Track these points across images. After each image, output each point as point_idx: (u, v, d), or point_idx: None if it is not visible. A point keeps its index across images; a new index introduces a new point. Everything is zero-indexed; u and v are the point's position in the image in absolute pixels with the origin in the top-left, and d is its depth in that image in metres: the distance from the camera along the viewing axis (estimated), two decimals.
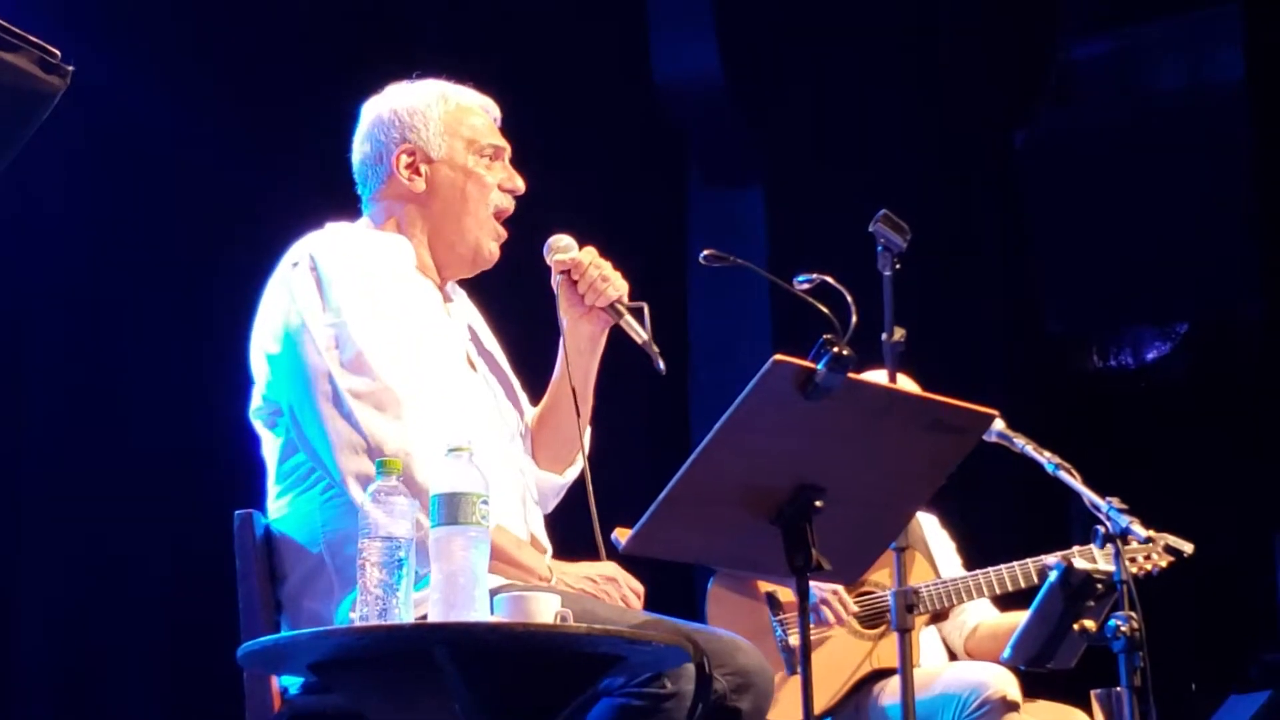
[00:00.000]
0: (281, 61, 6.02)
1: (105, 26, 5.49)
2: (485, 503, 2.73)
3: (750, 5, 7.20)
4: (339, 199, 3.61)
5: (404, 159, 3.44)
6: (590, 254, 3.46)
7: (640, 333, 3.41)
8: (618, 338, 3.50)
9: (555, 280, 3.48)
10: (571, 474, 3.57)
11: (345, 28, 6.24)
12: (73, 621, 5.50)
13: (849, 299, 3.33)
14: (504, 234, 3.49)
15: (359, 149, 3.51)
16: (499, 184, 3.47)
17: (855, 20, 7.27)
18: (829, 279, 3.46)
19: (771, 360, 2.77)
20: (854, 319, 3.21)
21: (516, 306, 3.76)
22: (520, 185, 3.50)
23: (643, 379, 3.62)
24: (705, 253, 3.55)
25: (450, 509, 2.71)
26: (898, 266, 3.58)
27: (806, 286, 3.46)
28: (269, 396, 3.28)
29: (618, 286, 3.45)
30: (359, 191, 3.52)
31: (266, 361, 3.27)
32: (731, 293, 6.94)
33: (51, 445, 5.55)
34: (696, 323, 7.11)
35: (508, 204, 3.49)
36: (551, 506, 3.53)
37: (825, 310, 3.21)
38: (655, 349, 3.38)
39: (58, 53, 2.43)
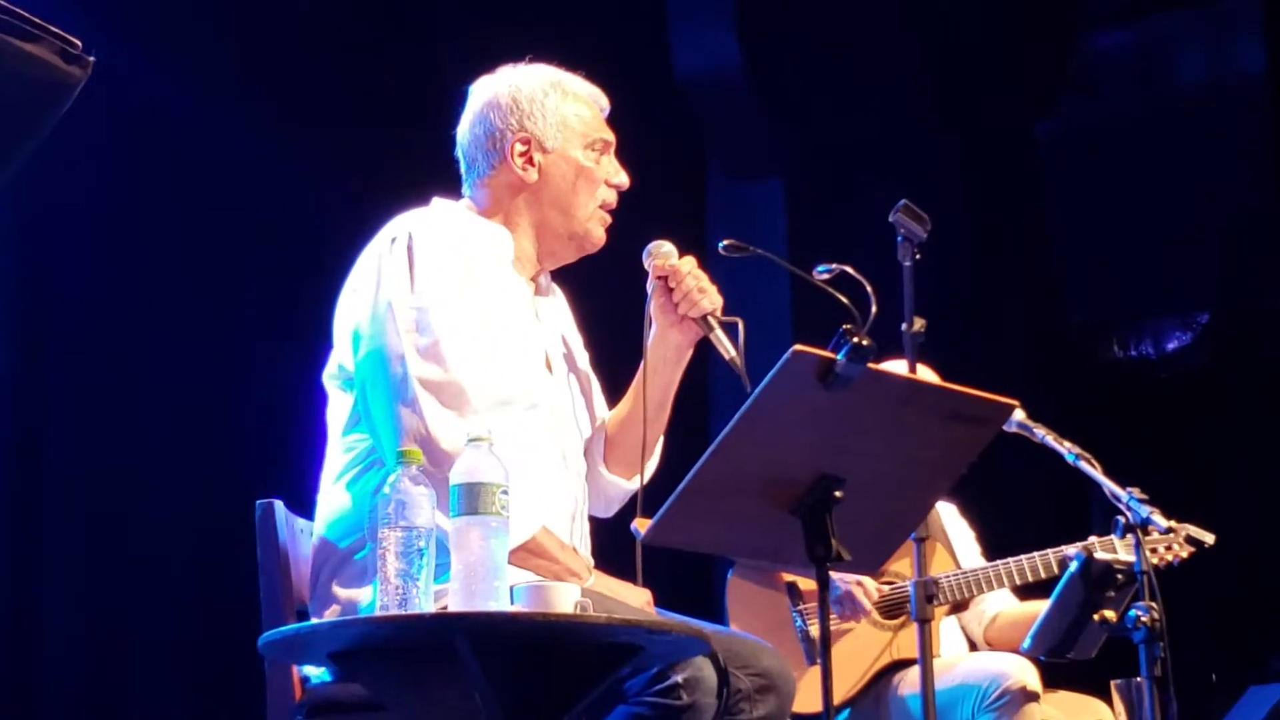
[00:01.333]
0: (306, 52, 6.03)
1: (128, 16, 5.49)
2: (505, 493, 2.73)
3: None
4: (366, 186, 3.60)
5: (519, 147, 3.43)
6: (690, 263, 3.46)
7: (729, 349, 3.40)
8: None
9: (650, 285, 3.46)
10: (639, 481, 3.53)
11: (368, 18, 6.24)
12: (96, 609, 5.51)
13: (869, 289, 3.32)
14: (609, 220, 3.48)
15: (469, 130, 3.49)
16: (606, 179, 3.47)
17: (875, 12, 7.26)
18: (849, 269, 3.46)
19: (791, 350, 2.77)
20: (874, 309, 3.21)
21: (605, 304, 3.75)
22: (625, 181, 3.50)
23: None
24: (725, 243, 3.55)
25: (470, 499, 2.71)
26: (918, 257, 3.57)
27: (826, 277, 3.47)
28: (345, 364, 3.28)
29: (713, 299, 3.44)
30: (463, 173, 3.50)
31: (348, 331, 3.27)
32: (751, 284, 6.92)
33: (74, 433, 5.56)
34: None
35: (613, 199, 3.49)
36: (614, 510, 3.52)
37: (845, 300, 3.21)
38: (741, 366, 3.36)
39: (79, 43, 2.44)
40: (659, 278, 3.45)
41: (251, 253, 5.83)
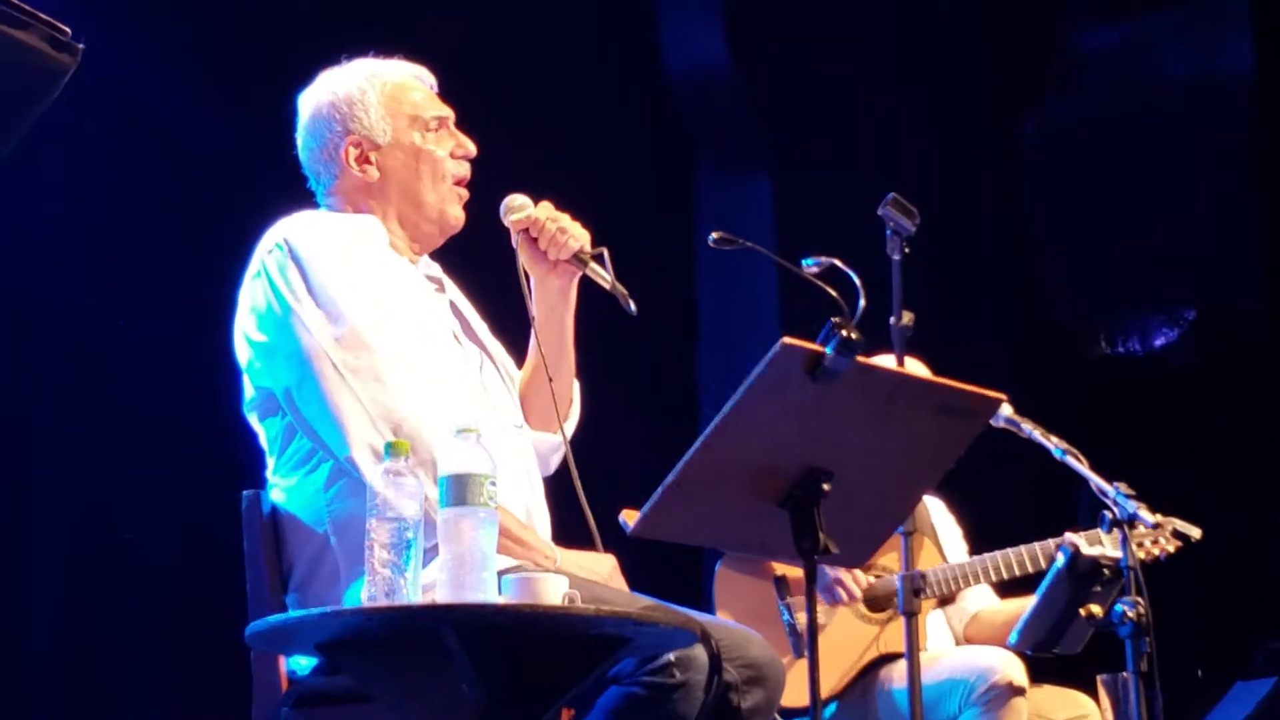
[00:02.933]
0: (288, 47, 6.01)
1: (112, 9, 5.48)
2: (493, 484, 2.73)
3: None
4: None
5: (352, 151, 3.42)
6: (546, 209, 3.46)
7: (606, 277, 3.41)
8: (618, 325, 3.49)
9: (515, 240, 3.46)
10: (569, 428, 3.55)
11: (350, 17, 6.23)
12: (81, 601, 5.51)
13: (857, 282, 3.32)
14: (465, 195, 3.48)
15: (304, 145, 3.50)
16: (450, 153, 3.46)
17: (861, 10, 7.26)
18: (837, 262, 3.46)
19: (780, 343, 2.78)
20: (862, 302, 3.21)
21: (507, 281, 3.74)
22: (471, 149, 3.49)
23: (651, 363, 3.62)
24: (714, 235, 3.55)
25: (459, 490, 2.71)
26: (906, 251, 3.58)
27: (815, 270, 3.46)
28: (260, 385, 3.27)
29: (577, 236, 3.44)
30: (312, 187, 3.50)
31: (254, 351, 3.26)
32: (739, 278, 6.94)
33: (59, 425, 5.56)
34: (705, 308, 7.11)
35: (464, 171, 3.48)
36: (554, 465, 3.51)
37: (833, 294, 3.21)
38: (623, 291, 3.38)
39: (68, 30, 2.43)
40: (521, 231, 3.45)
41: (234, 242, 5.81)
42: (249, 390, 3.31)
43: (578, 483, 3.33)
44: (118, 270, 5.72)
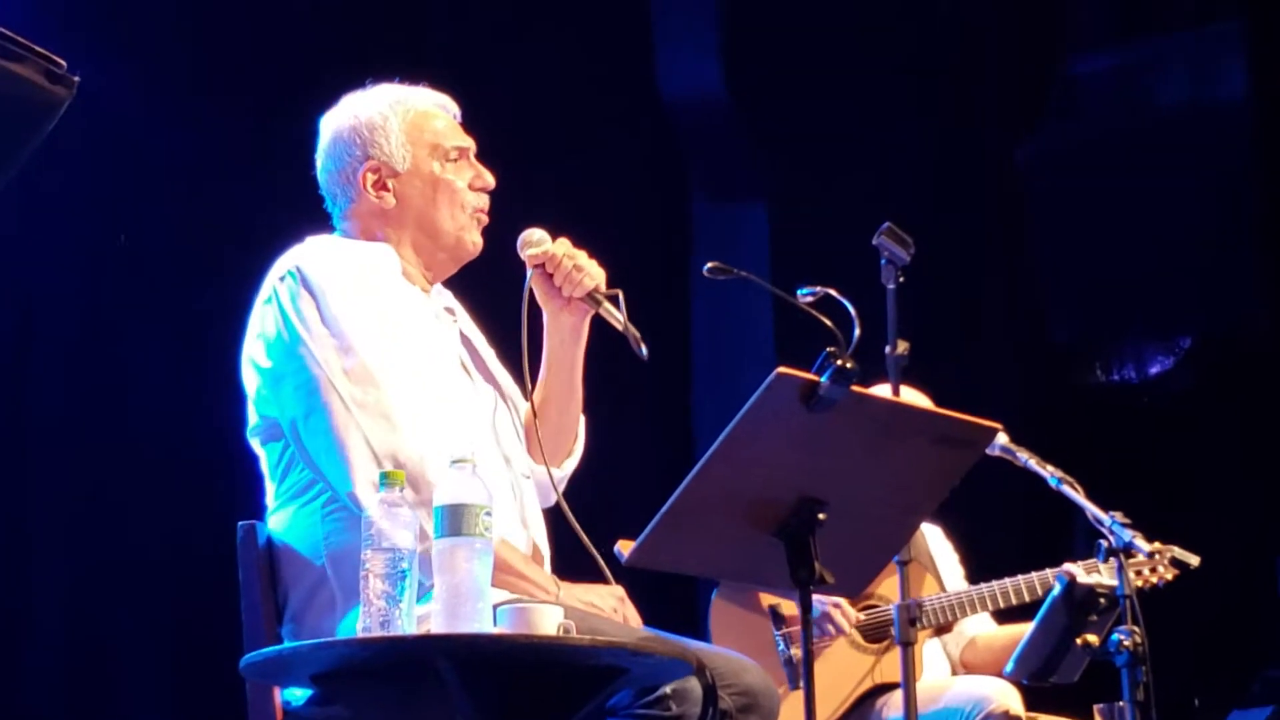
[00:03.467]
0: (285, 70, 6.03)
1: (107, 36, 5.49)
2: (489, 514, 2.72)
3: (754, 22, 7.21)
4: None
5: (370, 176, 3.41)
6: (564, 245, 3.44)
7: (619, 318, 3.40)
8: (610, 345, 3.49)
9: (530, 275, 3.45)
10: (570, 465, 3.56)
11: (348, 39, 6.24)
12: (78, 631, 5.50)
13: (852, 312, 3.32)
14: (485, 221, 3.47)
15: (323, 167, 3.48)
16: (469, 184, 3.46)
17: (858, 37, 7.27)
18: (832, 291, 3.46)
19: (775, 373, 2.78)
20: (857, 331, 3.21)
21: (512, 310, 3.74)
22: (490, 181, 3.48)
23: (646, 393, 3.62)
24: (709, 265, 3.54)
25: (454, 520, 2.71)
26: (901, 279, 3.58)
27: (810, 299, 3.46)
28: (265, 413, 3.26)
29: (593, 275, 3.43)
30: (328, 209, 3.50)
31: (261, 377, 3.25)
32: (735, 307, 6.94)
33: (57, 455, 5.55)
34: (700, 337, 7.11)
35: (482, 202, 3.47)
36: (554, 500, 3.51)
37: (829, 323, 3.21)
38: (635, 333, 3.37)
39: (63, 63, 2.43)
40: (536, 266, 3.44)
41: (233, 268, 5.81)
42: (253, 416, 3.30)
43: (570, 517, 3.32)
44: (113, 296, 5.71)
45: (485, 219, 3.48)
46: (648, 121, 7.13)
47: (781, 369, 2.78)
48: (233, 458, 5.46)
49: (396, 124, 3.43)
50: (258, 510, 3.33)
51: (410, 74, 3.62)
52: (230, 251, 5.76)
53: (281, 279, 3.26)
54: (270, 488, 3.31)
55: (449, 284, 3.56)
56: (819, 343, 2.86)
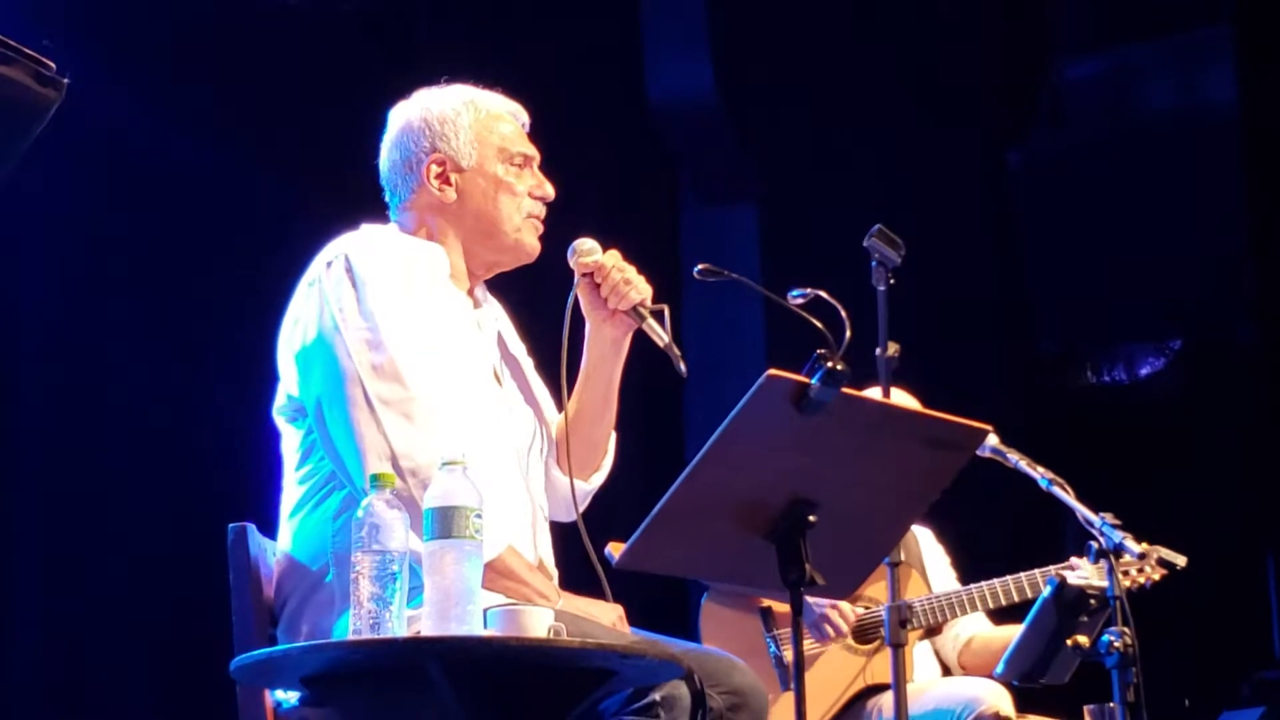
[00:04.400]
0: (276, 75, 6.03)
1: (96, 38, 5.49)
2: (479, 516, 2.72)
3: (744, 25, 7.21)
4: (331, 213, 3.60)
5: (434, 169, 3.42)
6: (614, 257, 3.45)
7: (662, 335, 3.40)
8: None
9: (577, 283, 3.45)
10: (597, 480, 3.56)
11: (340, 47, 6.24)
12: (66, 634, 5.49)
13: (843, 314, 3.32)
14: (541, 228, 3.48)
15: (387, 156, 3.49)
16: (529, 191, 3.47)
17: (849, 41, 7.28)
18: (823, 294, 3.46)
19: (766, 375, 2.77)
20: (848, 334, 3.21)
21: (541, 313, 3.74)
22: (550, 192, 3.49)
23: (637, 393, 3.61)
24: (700, 267, 3.55)
25: (444, 523, 2.71)
26: (892, 282, 3.58)
27: (800, 301, 3.46)
28: (293, 394, 3.27)
29: (640, 290, 3.43)
30: (387, 199, 3.50)
31: (295, 360, 3.26)
32: (725, 309, 6.95)
33: (45, 458, 5.54)
34: (690, 339, 7.10)
35: (539, 211, 3.48)
36: (575, 514, 3.51)
37: (819, 325, 3.21)
38: (677, 352, 3.37)
39: (53, 65, 2.43)
40: (584, 275, 3.44)
41: (221, 273, 5.82)
42: (281, 396, 3.31)
43: (585, 536, 3.31)
44: (104, 296, 5.71)
45: (541, 226, 3.48)
46: (638, 123, 7.13)
47: (772, 371, 2.78)
48: (225, 460, 5.48)
49: (467, 121, 3.44)
50: (248, 512, 3.33)
51: (399, 77, 3.62)
52: (219, 254, 5.77)
53: (329, 264, 3.27)
54: (289, 472, 3.30)
55: (494, 289, 3.56)
56: (809, 345, 2.86)
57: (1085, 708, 3.88)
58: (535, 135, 3.58)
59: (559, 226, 3.61)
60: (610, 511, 3.54)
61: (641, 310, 3.43)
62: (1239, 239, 7.43)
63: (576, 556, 3.36)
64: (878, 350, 3.56)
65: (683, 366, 3.34)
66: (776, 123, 7.28)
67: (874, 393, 3.51)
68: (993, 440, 4.15)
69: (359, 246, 3.29)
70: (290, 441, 3.31)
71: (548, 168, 3.58)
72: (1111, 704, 3.55)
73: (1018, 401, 7.29)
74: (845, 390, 2.81)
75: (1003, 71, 7.81)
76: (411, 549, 2.78)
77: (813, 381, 2.78)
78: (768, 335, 6.85)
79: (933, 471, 3.01)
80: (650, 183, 7.30)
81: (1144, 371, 7.66)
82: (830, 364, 2.77)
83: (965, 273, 7.52)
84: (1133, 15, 7.87)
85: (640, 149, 7.19)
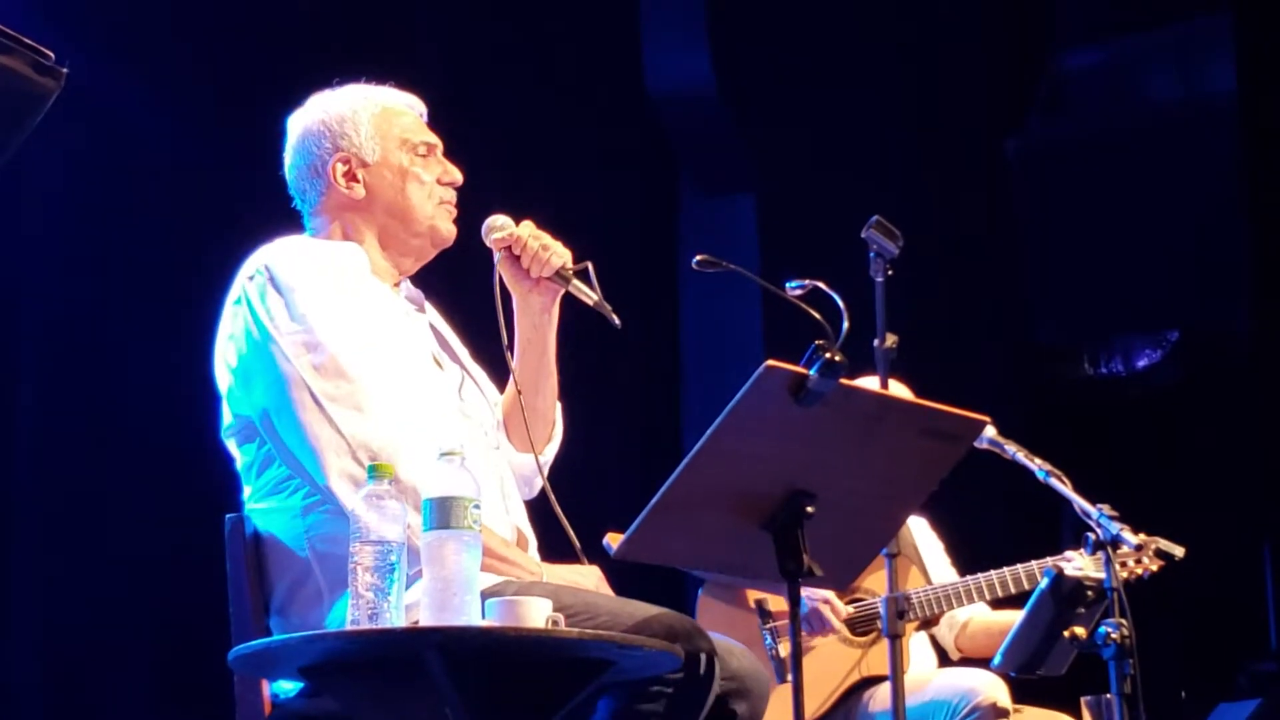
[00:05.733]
0: (275, 65, 6.02)
1: (95, 28, 5.49)
2: (477, 507, 2.73)
3: (743, 15, 7.22)
4: None
5: (340, 168, 3.42)
6: (528, 227, 3.46)
7: (590, 295, 3.41)
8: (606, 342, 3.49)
9: (498, 260, 3.46)
10: (551, 450, 3.56)
11: (337, 37, 6.24)
12: (63, 625, 5.49)
13: (841, 305, 3.33)
14: (454, 211, 3.48)
15: (292, 164, 3.49)
16: (437, 179, 3.47)
17: (847, 30, 7.28)
18: (821, 285, 3.46)
19: (764, 366, 2.78)
20: (846, 325, 3.21)
21: (481, 302, 3.74)
22: (458, 177, 3.49)
23: (635, 386, 3.62)
24: (698, 258, 3.55)
25: (442, 513, 2.71)
26: (890, 273, 3.58)
27: (799, 292, 3.47)
28: (239, 412, 3.26)
29: (560, 254, 3.44)
30: (298, 207, 3.50)
31: (233, 377, 3.25)
32: (723, 300, 6.95)
33: (42, 449, 5.54)
34: (688, 330, 7.11)
35: (450, 196, 3.48)
36: (537, 488, 3.51)
37: (817, 316, 3.21)
38: (608, 307, 3.38)
39: (51, 54, 2.43)
40: (504, 249, 3.45)
41: (220, 263, 5.81)
42: (227, 415, 3.31)
43: (553, 499, 3.33)
44: (100, 291, 5.71)
45: (454, 210, 3.49)
46: (637, 115, 7.13)
47: (770, 362, 2.78)
48: (218, 450, 5.48)
49: (365, 117, 3.45)
50: (243, 504, 3.33)
51: (399, 71, 3.62)
52: (215, 246, 5.76)
53: (251, 278, 3.27)
54: (247, 488, 3.30)
55: (417, 280, 3.56)
56: (807, 336, 2.86)
57: (1082, 699, 3.89)
58: (536, 128, 3.58)
59: (560, 217, 3.61)
60: (607, 502, 3.55)
61: (564, 273, 3.44)
62: (1237, 230, 7.43)
63: (554, 530, 3.36)
64: (876, 341, 3.57)
65: (616, 320, 3.35)
66: (775, 114, 7.28)
67: (867, 382, 3.51)
68: (990, 431, 4.16)
69: (278, 255, 3.29)
70: (245, 460, 3.30)
71: (547, 160, 3.58)
72: (1108, 695, 3.56)
73: (1015, 393, 7.29)
74: (843, 381, 2.81)
75: (1003, 60, 7.80)
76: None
77: (811, 373, 2.78)
78: (766, 326, 6.85)
79: (930, 463, 3.02)
80: (649, 174, 7.30)
81: (1141, 363, 7.66)
82: (828, 355, 2.77)
83: (963, 264, 7.52)
84: (1132, 5, 7.87)
85: (639, 140, 7.19)
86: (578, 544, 3.25)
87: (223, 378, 3.30)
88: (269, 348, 3.19)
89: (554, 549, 3.32)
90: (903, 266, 3.62)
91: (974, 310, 7.57)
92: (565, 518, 3.28)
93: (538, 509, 3.47)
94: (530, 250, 3.44)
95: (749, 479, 2.88)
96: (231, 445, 3.32)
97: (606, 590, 3.23)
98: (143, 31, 5.76)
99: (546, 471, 3.50)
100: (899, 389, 4.45)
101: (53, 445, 5.55)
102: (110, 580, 5.54)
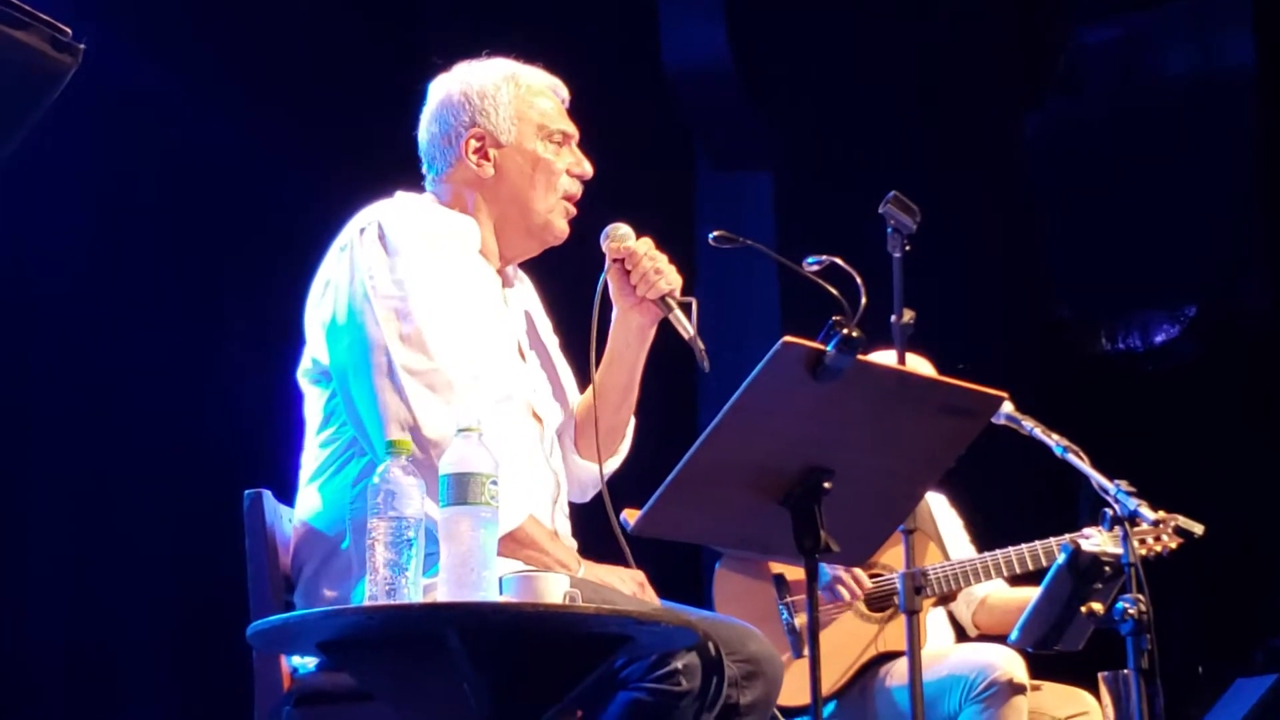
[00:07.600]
0: (291, 47, 6.02)
1: (107, 4, 5.49)
2: (495, 483, 2.73)
3: None
4: (349, 183, 3.59)
5: (473, 144, 3.42)
6: (646, 244, 3.44)
7: (688, 328, 3.40)
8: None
9: (608, 268, 3.45)
10: (614, 464, 3.56)
11: (352, 16, 6.23)
12: (83, 601, 5.51)
13: (858, 280, 3.32)
14: (574, 211, 3.48)
15: (426, 129, 3.48)
16: (567, 169, 3.46)
17: (864, 6, 7.26)
18: (838, 260, 3.46)
19: (781, 342, 2.77)
20: (863, 300, 3.21)
21: (583, 301, 3.74)
22: (589, 170, 3.49)
23: (651, 362, 3.61)
24: (715, 234, 3.55)
25: (459, 489, 2.71)
26: (907, 248, 3.58)
27: (816, 268, 3.46)
28: (319, 358, 3.27)
29: (670, 280, 3.43)
30: (425, 170, 3.49)
31: (323, 325, 3.26)
32: (740, 276, 6.94)
33: (61, 424, 5.55)
34: (705, 306, 7.08)
35: (576, 189, 3.48)
36: (590, 496, 3.51)
37: (834, 292, 3.21)
38: (701, 346, 3.36)
39: (69, 30, 2.42)
40: (616, 260, 3.44)
41: (237, 244, 5.82)
42: (306, 359, 3.31)
43: (610, 507, 3.30)
44: (118, 270, 5.72)
45: (574, 210, 3.48)
46: (653, 90, 7.12)
47: (787, 338, 2.78)
48: (241, 427, 5.49)
49: (507, 96, 3.44)
50: (265, 480, 3.33)
51: (409, 46, 3.62)
52: (237, 227, 5.78)
53: (362, 231, 3.26)
54: (310, 436, 3.31)
55: (525, 268, 3.56)
56: (825, 311, 2.85)
57: (1100, 675, 3.90)
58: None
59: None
60: (624, 479, 3.54)
61: (669, 300, 3.43)
62: (1254, 204, 7.40)
63: (594, 530, 3.36)
64: (893, 317, 3.56)
65: (705, 363, 3.33)
66: (792, 89, 7.27)
67: (883, 356, 3.51)
68: (1008, 407, 4.15)
69: (393, 214, 3.29)
70: (313, 404, 3.31)
71: None
72: (1126, 671, 3.56)
73: (1032, 368, 7.28)
74: (860, 357, 2.81)
75: (1019, 37, 7.78)
76: (429, 517, 2.79)
77: (828, 348, 2.78)
78: (783, 302, 6.84)
79: (948, 438, 3.01)
80: (665, 149, 7.28)
81: (1158, 338, 7.64)
82: (845, 331, 2.76)
83: (980, 239, 7.50)
84: None
85: (655, 115, 7.17)
86: (628, 551, 3.25)
87: (312, 321, 3.30)
88: (362, 306, 3.19)
89: (598, 552, 3.32)
90: (919, 243, 3.61)
91: (991, 285, 7.55)
92: (619, 526, 3.26)
93: (581, 509, 3.48)
94: (642, 269, 3.42)
95: (766, 455, 2.88)
96: (305, 384, 3.33)
97: (650, 596, 3.22)
98: (163, 12, 5.76)
99: (606, 479, 3.49)
100: (921, 363, 4.45)
101: (73, 419, 5.57)
102: (129, 555, 5.55)
